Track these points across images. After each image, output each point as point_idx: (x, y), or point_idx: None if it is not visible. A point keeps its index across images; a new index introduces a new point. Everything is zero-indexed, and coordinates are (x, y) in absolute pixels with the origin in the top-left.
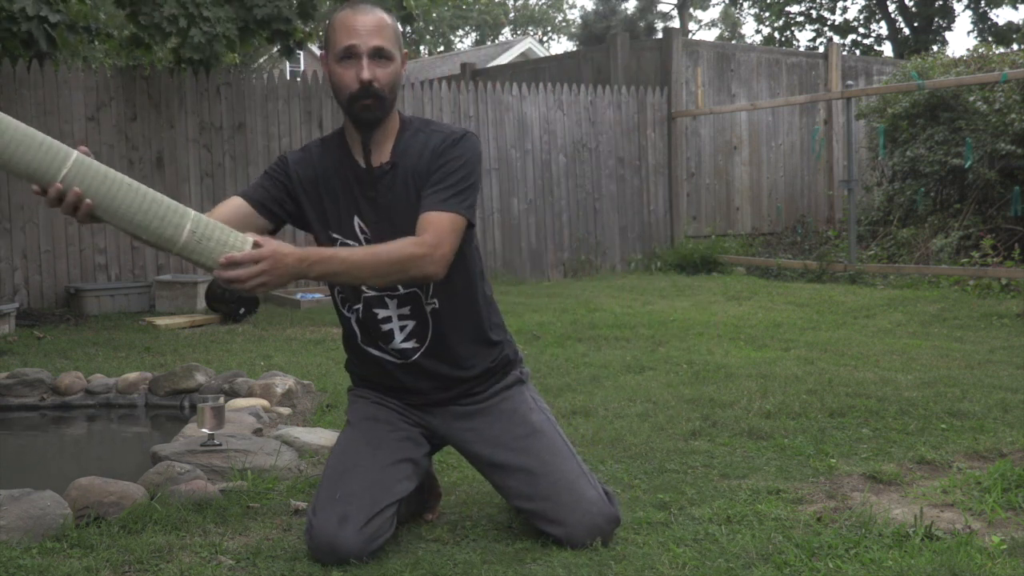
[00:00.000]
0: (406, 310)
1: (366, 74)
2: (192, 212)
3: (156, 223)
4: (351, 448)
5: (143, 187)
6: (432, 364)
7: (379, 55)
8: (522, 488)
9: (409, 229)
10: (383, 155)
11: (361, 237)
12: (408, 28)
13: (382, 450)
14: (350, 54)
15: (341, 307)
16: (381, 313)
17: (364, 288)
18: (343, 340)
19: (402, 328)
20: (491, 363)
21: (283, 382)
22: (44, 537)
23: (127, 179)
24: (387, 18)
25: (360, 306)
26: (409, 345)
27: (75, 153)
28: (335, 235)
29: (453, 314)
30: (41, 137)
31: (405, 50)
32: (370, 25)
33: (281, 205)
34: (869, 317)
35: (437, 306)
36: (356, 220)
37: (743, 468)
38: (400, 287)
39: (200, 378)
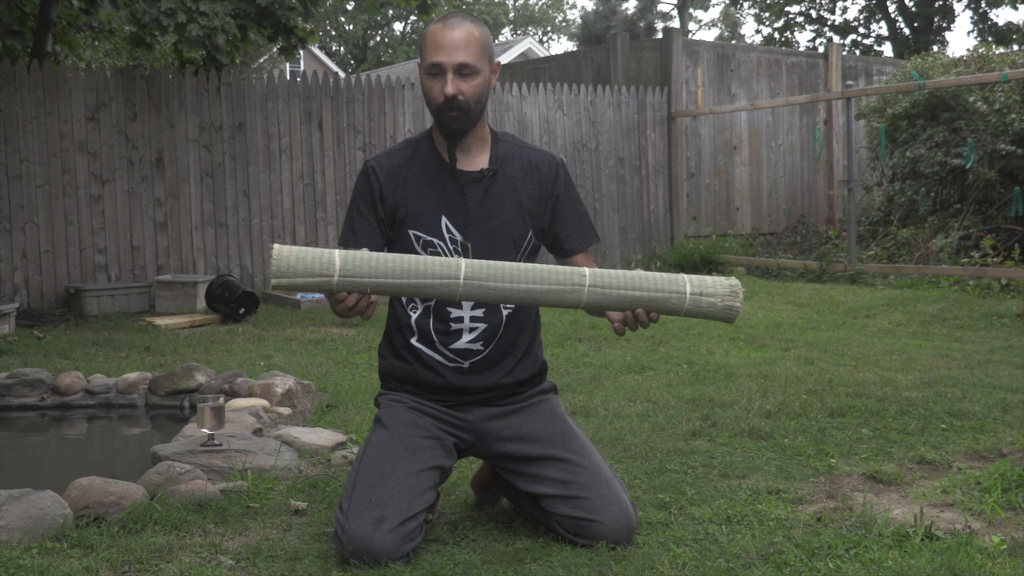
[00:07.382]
0: (480, 312)
1: (450, 89)
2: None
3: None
4: (389, 452)
5: (408, 258)
6: (487, 367)
7: (464, 71)
8: (560, 476)
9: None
10: (480, 161)
11: (447, 237)
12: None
13: (418, 456)
14: (437, 71)
15: (404, 306)
16: (454, 312)
17: None
18: (386, 340)
19: (472, 330)
20: (534, 372)
21: (283, 382)
22: (44, 537)
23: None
24: (475, 31)
25: (432, 303)
26: (474, 347)
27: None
28: (415, 232)
29: (520, 321)
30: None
31: (497, 60)
32: (457, 41)
33: (383, 222)
34: (869, 317)
35: (512, 311)
36: (444, 220)
37: (743, 468)
38: None
39: (200, 378)
